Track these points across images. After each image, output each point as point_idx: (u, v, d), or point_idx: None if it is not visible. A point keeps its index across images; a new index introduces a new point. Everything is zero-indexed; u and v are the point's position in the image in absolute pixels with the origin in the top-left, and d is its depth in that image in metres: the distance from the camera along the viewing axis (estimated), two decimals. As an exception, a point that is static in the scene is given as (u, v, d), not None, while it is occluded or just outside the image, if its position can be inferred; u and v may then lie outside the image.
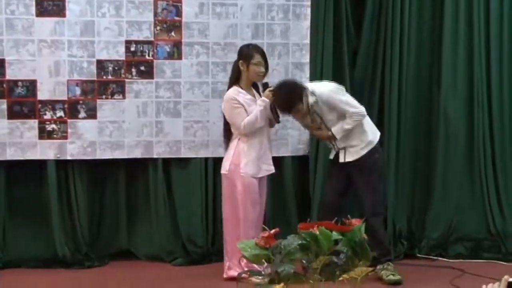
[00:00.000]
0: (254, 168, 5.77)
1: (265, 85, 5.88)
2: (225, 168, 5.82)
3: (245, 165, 5.74)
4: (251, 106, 5.77)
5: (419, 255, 6.62)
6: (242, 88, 5.82)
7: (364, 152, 5.81)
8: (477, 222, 6.77)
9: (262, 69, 5.83)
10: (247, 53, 5.83)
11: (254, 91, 5.93)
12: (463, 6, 6.80)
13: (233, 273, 5.65)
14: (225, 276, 5.79)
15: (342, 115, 5.75)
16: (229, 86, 5.87)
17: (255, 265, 5.56)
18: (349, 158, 5.82)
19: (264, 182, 5.96)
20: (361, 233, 3.61)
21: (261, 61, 5.81)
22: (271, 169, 5.94)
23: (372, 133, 5.91)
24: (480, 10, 6.78)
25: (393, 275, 5.69)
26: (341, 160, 5.84)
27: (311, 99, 5.72)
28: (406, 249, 6.67)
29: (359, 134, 5.82)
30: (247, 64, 5.79)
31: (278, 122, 5.95)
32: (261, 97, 5.87)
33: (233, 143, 5.83)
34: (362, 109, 5.80)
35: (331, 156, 5.99)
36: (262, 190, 5.91)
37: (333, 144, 5.91)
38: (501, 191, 6.85)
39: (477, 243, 6.66)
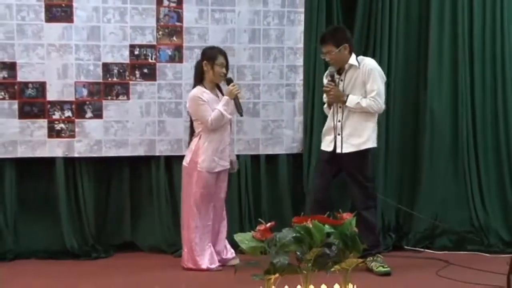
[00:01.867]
0: (210, 164, 5.76)
1: (229, 80, 5.88)
2: (186, 160, 5.85)
3: (202, 161, 5.75)
4: (213, 105, 5.76)
5: (406, 247, 6.63)
6: (206, 88, 5.82)
7: (363, 147, 5.68)
8: (461, 216, 6.78)
9: (224, 70, 5.85)
10: (211, 54, 5.83)
11: (218, 91, 5.93)
12: (448, 12, 6.82)
13: (191, 265, 5.76)
14: (184, 266, 5.84)
15: (364, 96, 5.65)
16: (194, 86, 5.87)
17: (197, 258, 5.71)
18: (347, 149, 5.68)
19: (224, 176, 5.94)
20: (352, 227, 3.61)
21: (223, 62, 5.83)
22: (227, 165, 5.91)
23: (375, 136, 5.79)
24: (464, 15, 6.81)
25: (382, 266, 5.65)
26: (338, 150, 5.70)
27: (353, 61, 5.67)
28: (395, 241, 6.68)
29: (368, 127, 5.69)
30: (211, 65, 5.79)
31: (241, 115, 5.91)
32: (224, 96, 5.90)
33: (195, 139, 5.83)
34: (383, 106, 5.73)
35: (329, 148, 5.79)
36: (221, 183, 5.91)
37: (334, 123, 5.73)
38: (484, 187, 6.86)
39: (461, 235, 6.66)
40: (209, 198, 5.80)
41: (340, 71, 5.75)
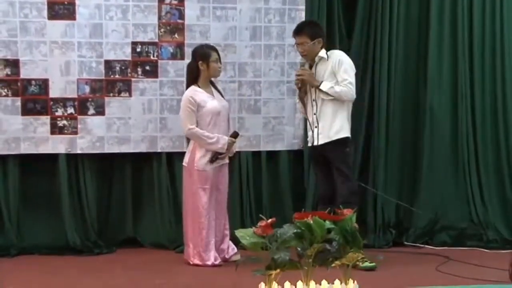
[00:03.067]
0: (207, 161, 5.75)
1: (235, 134, 5.90)
2: (185, 161, 5.84)
3: (199, 159, 5.74)
4: (208, 102, 5.75)
5: (406, 243, 6.62)
6: (199, 87, 5.80)
7: (336, 137, 5.65)
8: (460, 212, 6.77)
9: (220, 65, 5.86)
10: (205, 52, 5.81)
11: (212, 88, 5.91)
12: (448, 9, 6.82)
13: (197, 261, 5.73)
14: (191, 262, 5.80)
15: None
16: (188, 87, 5.85)
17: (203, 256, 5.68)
18: (322, 141, 5.66)
19: (224, 172, 5.90)
20: (352, 222, 3.61)
21: (218, 57, 5.82)
22: (225, 161, 5.90)
23: (348, 125, 5.74)
24: (464, 12, 6.80)
25: (367, 261, 5.44)
26: (315, 143, 5.69)
27: (322, 53, 5.68)
28: (395, 237, 6.67)
29: (340, 116, 5.66)
30: (206, 63, 5.77)
31: (211, 162, 5.77)
32: (218, 92, 5.92)
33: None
34: (355, 95, 5.70)
35: (309, 143, 5.81)
36: (222, 178, 5.89)
37: (311, 117, 5.71)
38: (483, 183, 6.85)
39: (461, 231, 6.65)
40: (211, 194, 5.78)
41: (309, 65, 5.77)
